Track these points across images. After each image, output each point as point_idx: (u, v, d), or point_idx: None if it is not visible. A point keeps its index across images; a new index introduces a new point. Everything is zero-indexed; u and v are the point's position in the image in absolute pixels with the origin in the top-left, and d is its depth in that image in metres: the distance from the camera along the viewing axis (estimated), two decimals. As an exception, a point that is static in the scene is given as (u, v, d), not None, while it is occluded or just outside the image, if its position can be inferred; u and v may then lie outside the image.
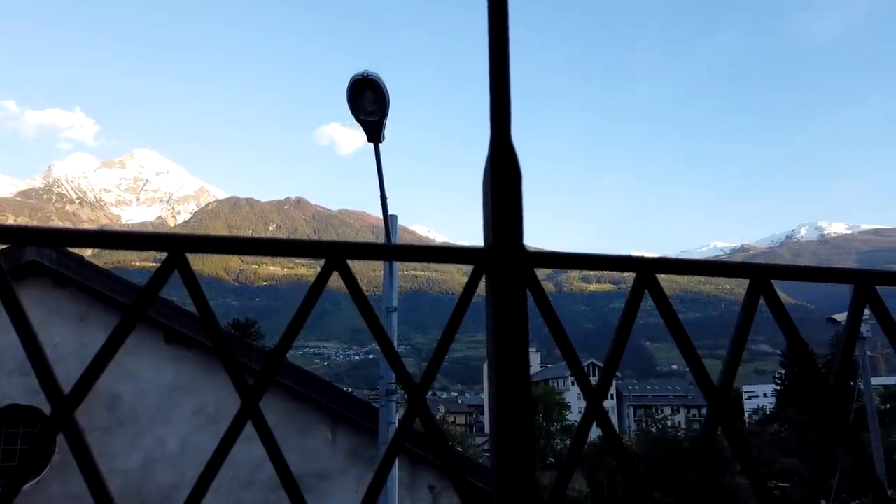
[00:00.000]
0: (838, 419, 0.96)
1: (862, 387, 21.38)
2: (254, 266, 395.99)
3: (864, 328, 19.69)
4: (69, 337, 7.13)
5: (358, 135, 7.05)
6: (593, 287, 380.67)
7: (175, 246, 0.84)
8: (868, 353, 21.51)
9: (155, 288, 0.83)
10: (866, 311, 1.06)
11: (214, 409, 7.33)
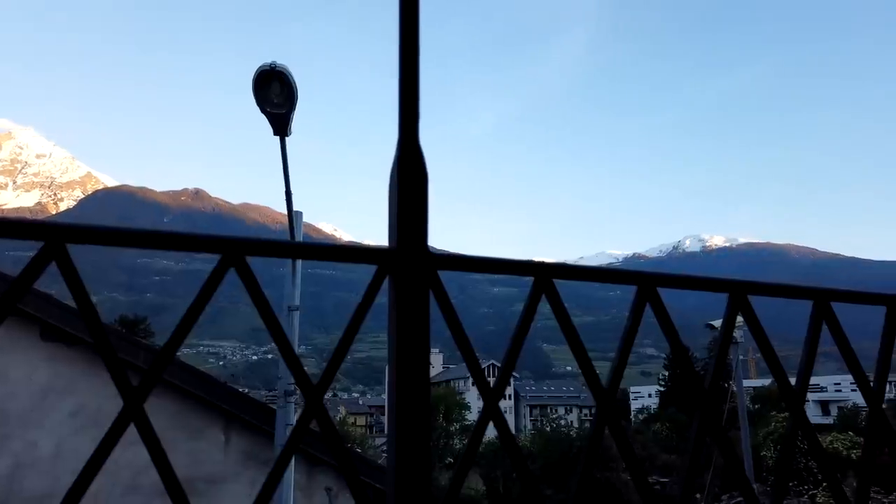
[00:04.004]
0: (712, 418, 1.04)
1: (734, 388, 23.16)
2: (146, 260, 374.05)
3: (737, 334, 21.32)
4: (-74, 331, 6.44)
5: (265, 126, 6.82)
6: (497, 290, 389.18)
7: (53, 235, 0.78)
8: (741, 357, 23.33)
9: (28, 280, 0.77)
10: (739, 318, 1.14)
11: (95, 411, 6.86)
